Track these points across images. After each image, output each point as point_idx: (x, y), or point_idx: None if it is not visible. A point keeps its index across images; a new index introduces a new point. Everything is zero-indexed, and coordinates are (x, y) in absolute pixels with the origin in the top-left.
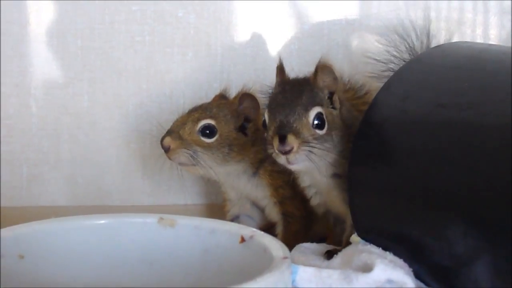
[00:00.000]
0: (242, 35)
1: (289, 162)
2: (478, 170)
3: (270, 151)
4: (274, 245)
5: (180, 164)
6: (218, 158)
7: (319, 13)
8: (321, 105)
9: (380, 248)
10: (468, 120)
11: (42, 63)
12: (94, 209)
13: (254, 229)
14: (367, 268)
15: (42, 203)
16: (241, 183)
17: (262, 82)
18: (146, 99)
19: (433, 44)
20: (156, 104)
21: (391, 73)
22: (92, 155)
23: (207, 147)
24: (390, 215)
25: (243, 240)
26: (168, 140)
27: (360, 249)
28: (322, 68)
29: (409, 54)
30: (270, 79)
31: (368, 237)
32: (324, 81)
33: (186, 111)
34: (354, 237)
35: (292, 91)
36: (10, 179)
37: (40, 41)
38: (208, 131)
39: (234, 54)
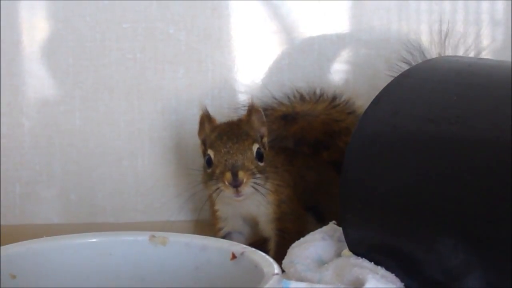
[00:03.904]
0: (232, 51)
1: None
2: (467, 184)
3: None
4: (265, 262)
5: (242, 196)
6: (264, 178)
7: (310, 28)
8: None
9: (372, 263)
10: (457, 134)
11: (34, 82)
12: (87, 226)
13: (245, 246)
14: (358, 283)
15: (35, 221)
16: (246, 201)
17: (253, 98)
18: (138, 115)
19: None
20: (147, 121)
21: None
22: (85, 172)
23: (261, 170)
24: (381, 229)
25: (234, 257)
26: (242, 174)
27: (352, 263)
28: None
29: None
30: (262, 95)
31: (359, 252)
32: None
33: (218, 138)
34: (346, 252)
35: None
36: (3, 198)
37: (31, 59)
38: (259, 155)
39: (225, 70)
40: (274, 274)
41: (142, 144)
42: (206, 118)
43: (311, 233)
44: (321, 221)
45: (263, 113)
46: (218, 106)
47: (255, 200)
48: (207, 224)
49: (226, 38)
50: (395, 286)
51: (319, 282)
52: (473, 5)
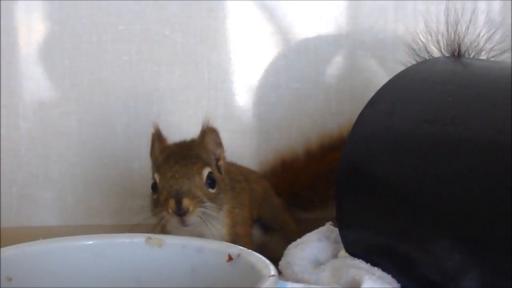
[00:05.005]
0: (228, 52)
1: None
2: (463, 184)
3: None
4: (262, 263)
5: (190, 225)
6: (217, 207)
7: (306, 29)
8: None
9: (369, 264)
10: (452, 135)
11: (31, 84)
12: (83, 228)
13: (241, 247)
14: (355, 284)
15: (32, 224)
16: (201, 226)
17: (251, 99)
18: (134, 117)
19: None
20: (144, 122)
21: None
22: (81, 174)
23: (213, 197)
24: (378, 230)
25: (230, 258)
26: (187, 202)
27: (348, 264)
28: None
29: None
30: (258, 96)
31: (356, 253)
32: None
33: (165, 161)
34: (342, 253)
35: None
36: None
37: (28, 61)
38: (210, 181)
39: (221, 71)
40: (270, 276)
41: (139, 146)
42: (156, 138)
43: (308, 234)
44: (268, 232)
45: (218, 133)
46: (214, 108)
47: (208, 224)
48: None
49: (222, 40)
50: (391, 287)
51: (315, 283)
52: (469, 5)
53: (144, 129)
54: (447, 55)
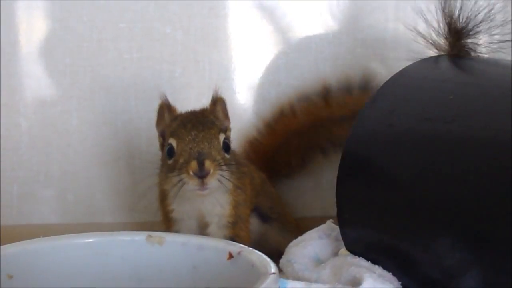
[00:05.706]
0: (229, 50)
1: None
2: (463, 183)
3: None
4: (262, 261)
5: (209, 188)
6: (228, 174)
7: (306, 28)
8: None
9: (369, 262)
10: (453, 133)
11: (31, 82)
12: (84, 226)
13: (242, 245)
14: (355, 282)
15: (33, 221)
16: (209, 199)
17: (252, 97)
18: (135, 115)
19: None
20: (145, 120)
21: None
22: (82, 172)
23: (228, 164)
24: (379, 228)
25: (231, 256)
26: (209, 164)
27: (349, 262)
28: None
29: None
30: (259, 93)
31: (357, 251)
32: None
33: (181, 126)
34: (343, 251)
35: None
36: (0, 198)
37: (28, 59)
38: (226, 146)
39: (221, 70)
40: (271, 274)
41: (139, 144)
42: (165, 108)
43: (308, 232)
44: (266, 222)
45: (226, 104)
46: None
47: (212, 199)
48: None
49: (223, 38)
50: (392, 286)
51: (316, 281)
52: (470, 4)
53: (145, 127)
54: (447, 53)
